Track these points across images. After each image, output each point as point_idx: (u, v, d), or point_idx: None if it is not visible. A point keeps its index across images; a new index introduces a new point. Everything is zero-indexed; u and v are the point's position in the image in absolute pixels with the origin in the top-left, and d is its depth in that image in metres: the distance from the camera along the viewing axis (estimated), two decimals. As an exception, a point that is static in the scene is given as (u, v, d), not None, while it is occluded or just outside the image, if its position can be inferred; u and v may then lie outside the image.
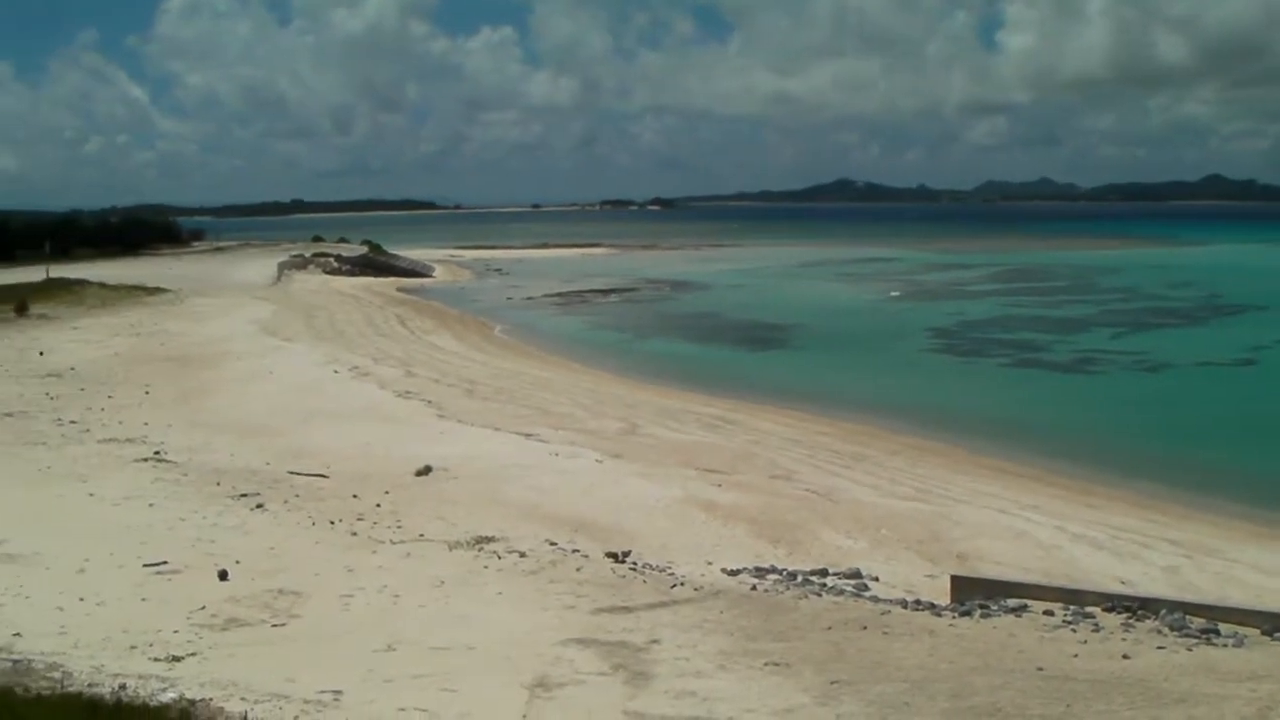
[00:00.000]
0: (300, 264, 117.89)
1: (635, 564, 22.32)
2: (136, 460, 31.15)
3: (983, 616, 19.00)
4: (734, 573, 22.12)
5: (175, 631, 16.49)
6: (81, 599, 18.04)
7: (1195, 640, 17.23)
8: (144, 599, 18.37)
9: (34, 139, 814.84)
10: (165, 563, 20.51)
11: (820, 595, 20.43)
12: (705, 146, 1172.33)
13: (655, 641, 16.42)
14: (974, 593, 20.51)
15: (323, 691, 13.85)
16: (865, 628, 17.49)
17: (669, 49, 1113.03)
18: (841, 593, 20.91)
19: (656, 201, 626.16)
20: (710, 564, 22.88)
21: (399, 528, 24.69)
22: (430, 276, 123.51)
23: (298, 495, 27.56)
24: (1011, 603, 19.92)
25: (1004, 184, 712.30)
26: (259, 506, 26.11)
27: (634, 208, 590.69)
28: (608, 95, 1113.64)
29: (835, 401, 46.73)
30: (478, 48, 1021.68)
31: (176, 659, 15.24)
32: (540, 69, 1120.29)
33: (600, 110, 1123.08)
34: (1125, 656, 15.94)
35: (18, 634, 15.95)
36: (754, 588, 20.84)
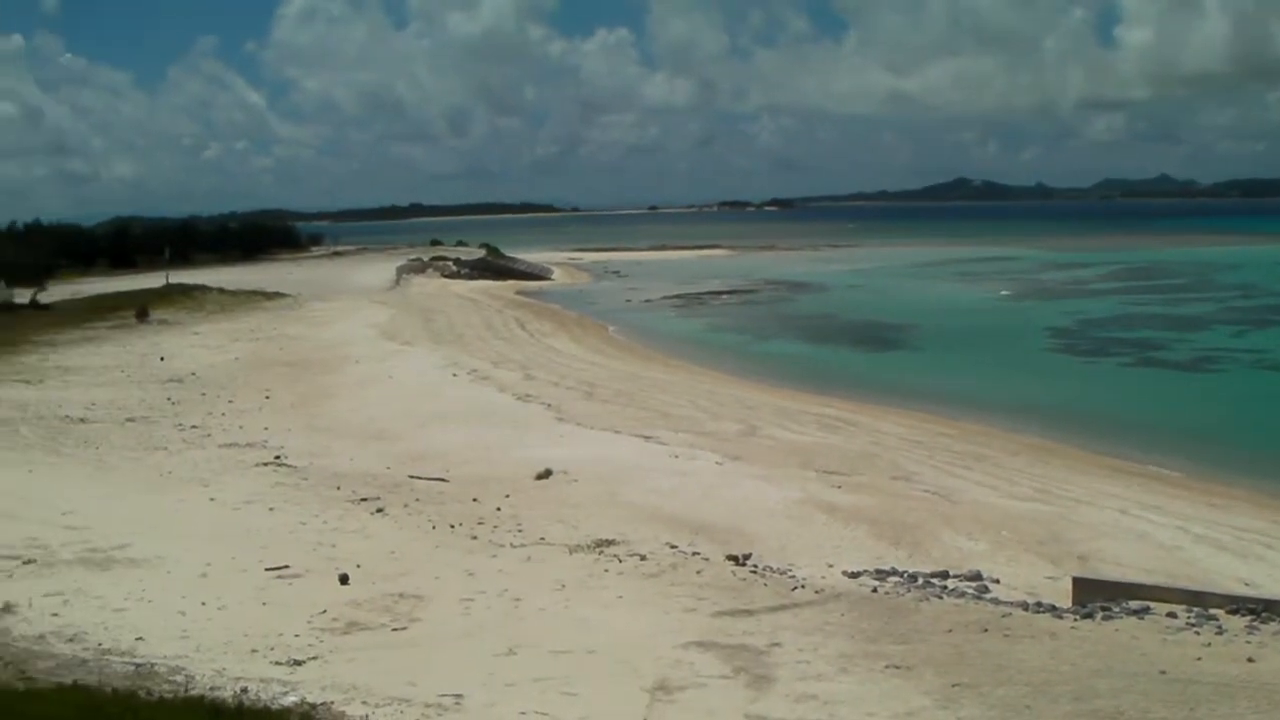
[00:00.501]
0: (418, 268, 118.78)
1: (756, 566, 22.27)
2: (257, 465, 31.66)
3: (1104, 619, 18.78)
4: (855, 575, 22.02)
5: (296, 635, 16.72)
6: (203, 603, 18.34)
7: (1320, 643, 16.86)
8: (265, 603, 18.65)
9: (153, 146, 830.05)
10: (286, 566, 20.80)
11: (941, 597, 20.38)
12: (822, 146, 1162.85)
13: (776, 644, 16.42)
14: (1096, 595, 20.21)
15: (444, 695, 13.96)
16: (986, 630, 17.44)
17: (784, 48, 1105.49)
18: (962, 595, 20.80)
19: (774, 202, 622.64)
20: (831, 566, 22.76)
21: (519, 531, 24.82)
22: (549, 279, 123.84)
23: (418, 499, 27.79)
24: (1134, 605, 19.61)
25: (1122, 181, 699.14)
26: (379, 510, 26.40)
27: (751, 208, 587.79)
28: (724, 96, 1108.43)
29: (954, 402, 46.21)
30: (594, 50, 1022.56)
31: (298, 663, 15.43)
32: (656, 70, 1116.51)
33: (716, 111, 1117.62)
34: (1250, 660, 15.74)
35: (140, 638, 16.26)
36: (875, 590, 20.75)
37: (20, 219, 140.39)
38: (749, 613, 18.35)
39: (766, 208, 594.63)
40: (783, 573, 21.85)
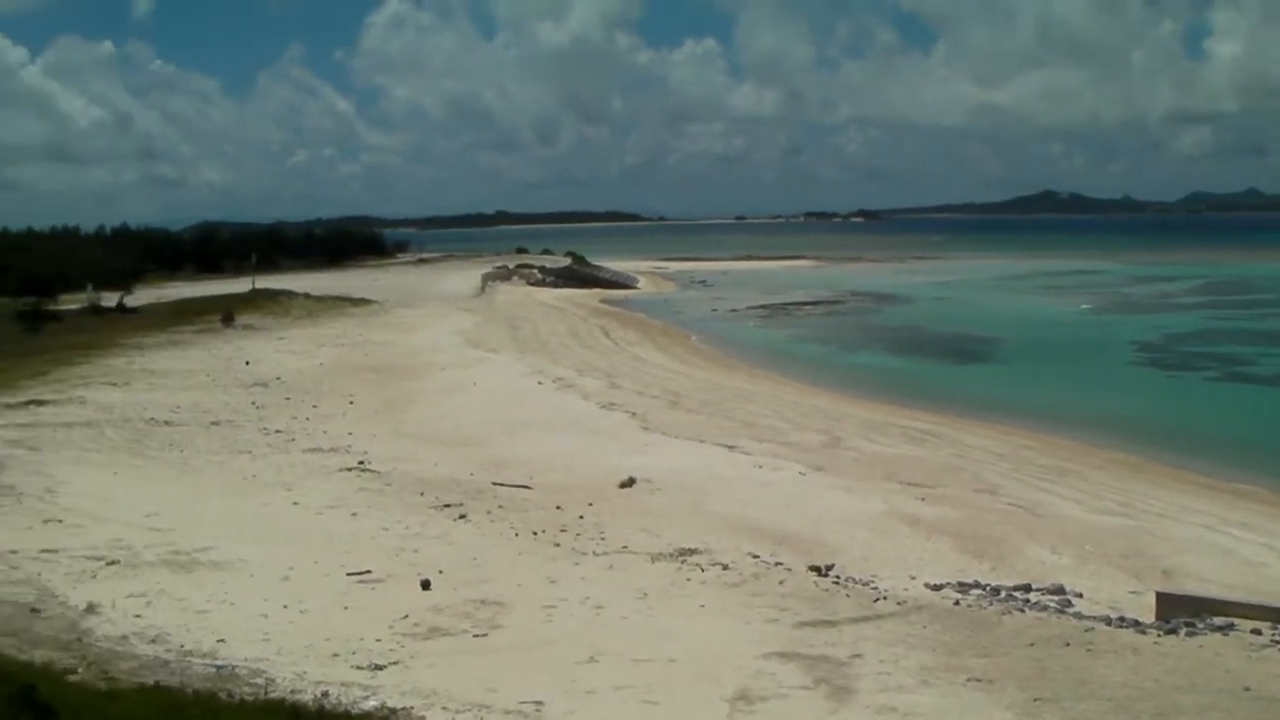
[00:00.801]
0: (504, 275, 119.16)
1: (838, 577, 22.27)
2: (341, 470, 31.88)
3: (1188, 635, 18.68)
4: (937, 587, 22.00)
5: (378, 640, 16.85)
6: (285, 606, 18.53)
7: None
8: (347, 607, 18.81)
9: (242, 153, 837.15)
10: (368, 572, 20.95)
11: (1023, 611, 20.34)
12: (909, 158, 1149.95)
13: (858, 656, 16.46)
14: (1179, 610, 20.05)
15: (524, 702, 14.00)
16: (1068, 644, 17.46)
17: (872, 59, 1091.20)
18: (1045, 609, 20.73)
19: (860, 213, 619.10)
20: (913, 578, 22.68)
21: (602, 539, 24.85)
22: (634, 288, 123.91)
23: (501, 506, 27.88)
24: (1218, 621, 19.47)
25: (1209, 195, 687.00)
26: (462, 517, 26.52)
27: (837, 219, 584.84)
28: (811, 106, 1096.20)
29: (1039, 415, 45.72)
30: (682, 60, 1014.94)
31: (379, 667, 15.55)
32: (744, 81, 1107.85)
33: (803, 121, 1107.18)
34: (1334, 677, 15.51)
35: (222, 640, 16.44)
36: (957, 603, 20.77)
37: (108, 223, 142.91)
38: (831, 624, 18.38)
39: (853, 219, 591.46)
40: (865, 584, 21.84)
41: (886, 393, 51.86)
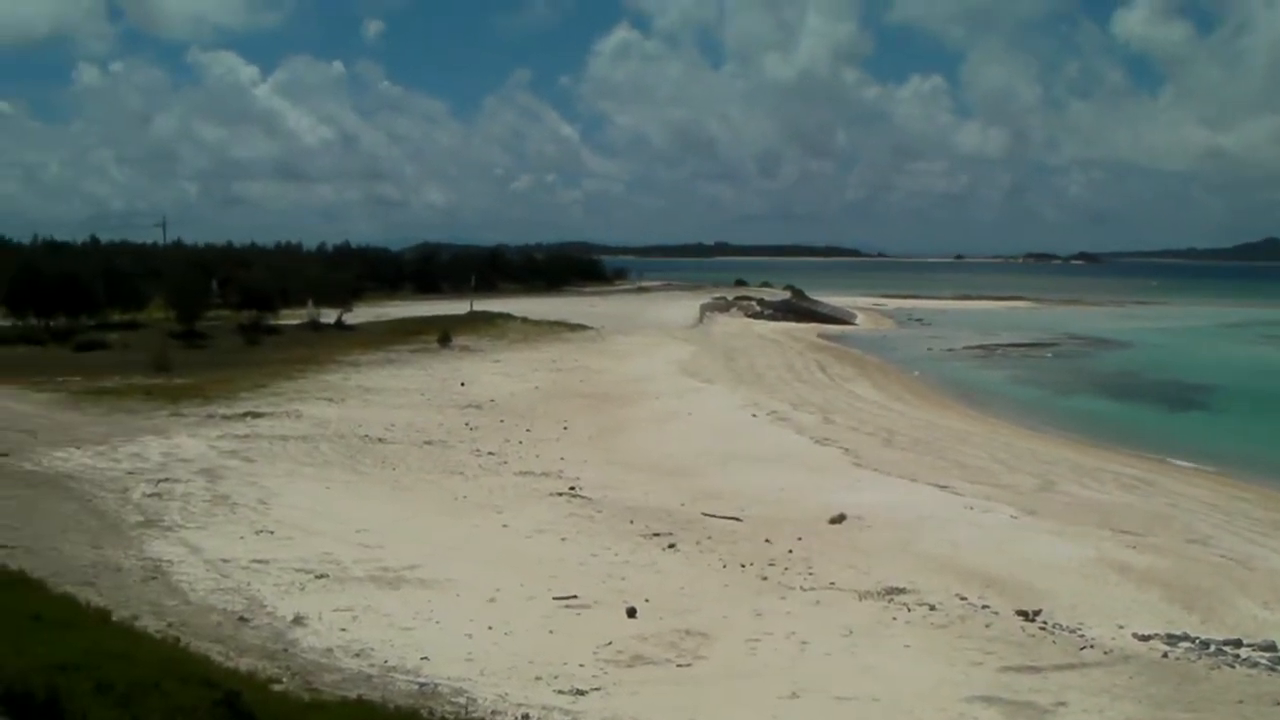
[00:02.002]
0: (722, 306, 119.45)
1: (1045, 623, 21.90)
2: (551, 494, 32.20)
3: (1404, 702, 17.88)
4: (1145, 638, 21.44)
5: (581, 665, 16.96)
6: (490, 627, 18.76)
7: None
8: (551, 631, 18.96)
9: (466, 175, 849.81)
10: (575, 597, 21.11)
11: (1233, 666, 19.79)
12: (1131, 200, 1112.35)
13: (1062, 704, 16.31)
14: (1395, 676, 19.26)
15: (724, 735, 13.91)
16: (1278, 704, 17.01)
17: (1099, 100, 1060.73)
18: (1255, 665, 20.08)
19: (1081, 256, 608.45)
20: (1121, 627, 22.10)
21: (810, 574, 24.65)
22: (852, 324, 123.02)
23: (710, 537, 27.85)
24: None
25: None
26: (671, 546, 26.56)
27: (1057, 262, 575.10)
28: (1035, 146, 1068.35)
29: (1255, 466, 43.97)
30: (907, 96, 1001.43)
31: (581, 693, 15.62)
32: (969, 119, 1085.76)
33: (1027, 161, 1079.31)
34: None
35: (426, 658, 16.69)
36: (1165, 654, 20.27)
37: (331, 241, 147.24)
38: (1036, 670, 18.18)
39: (1073, 261, 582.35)
40: (1072, 631, 21.44)
41: (1100, 438, 50.66)
